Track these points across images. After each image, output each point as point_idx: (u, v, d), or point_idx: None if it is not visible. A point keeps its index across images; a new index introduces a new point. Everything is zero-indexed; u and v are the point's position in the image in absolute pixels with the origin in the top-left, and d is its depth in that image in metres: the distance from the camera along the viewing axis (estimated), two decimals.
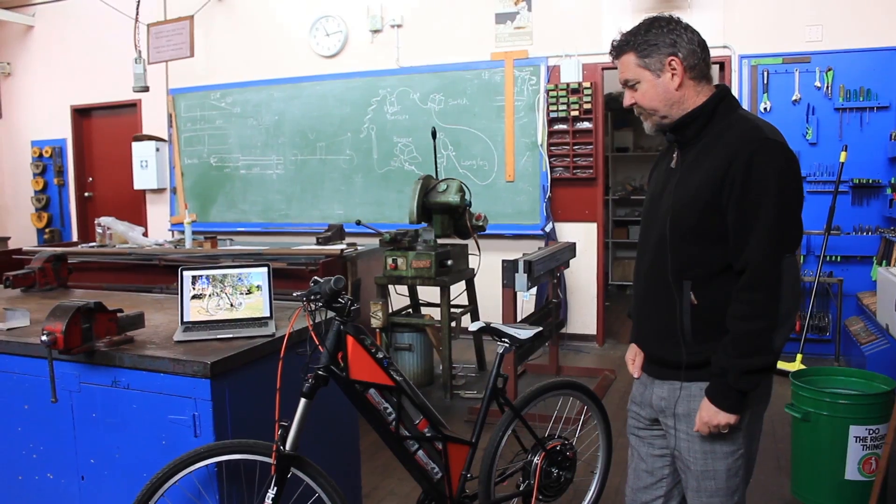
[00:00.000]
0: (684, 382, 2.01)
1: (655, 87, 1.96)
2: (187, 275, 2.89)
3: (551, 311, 5.23)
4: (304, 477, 2.33)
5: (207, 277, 2.89)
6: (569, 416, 3.25)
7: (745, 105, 6.22)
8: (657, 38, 1.94)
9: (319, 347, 2.33)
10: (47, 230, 9.42)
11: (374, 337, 4.87)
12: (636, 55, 1.97)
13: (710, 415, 1.91)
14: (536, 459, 2.90)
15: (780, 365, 5.41)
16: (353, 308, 2.34)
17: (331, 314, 2.34)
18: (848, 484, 3.30)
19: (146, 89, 7.44)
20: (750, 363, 1.83)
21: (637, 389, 2.22)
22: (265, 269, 2.89)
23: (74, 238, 9.21)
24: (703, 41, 1.99)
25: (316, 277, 2.31)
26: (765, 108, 6.11)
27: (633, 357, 2.24)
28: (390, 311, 5.18)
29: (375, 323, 4.90)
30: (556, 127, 6.75)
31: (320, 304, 2.30)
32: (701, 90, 1.98)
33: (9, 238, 9.19)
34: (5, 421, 2.83)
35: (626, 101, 2.04)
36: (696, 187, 1.91)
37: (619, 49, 2.01)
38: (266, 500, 2.24)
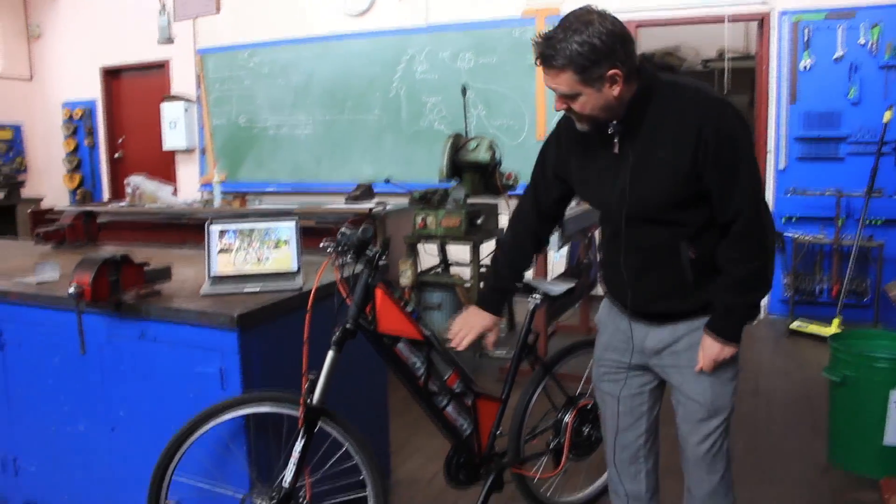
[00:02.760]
0: (686, 321, 2.10)
1: (596, 99, 1.90)
2: (214, 229, 2.86)
3: (582, 271, 5.15)
4: (332, 430, 2.30)
5: (235, 231, 2.86)
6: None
7: (785, 64, 6.03)
8: (593, 52, 1.81)
9: (347, 300, 2.29)
10: (79, 191, 9.48)
11: (405, 297, 4.83)
12: (574, 73, 1.85)
13: (717, 351, 2.03)
14: (567, 417, 2.85)
15: (816, 329, 5.31)
16: (381, 260, 2.29)
17: (359, 267, 2.29)
18: (887, 450, 3.21)
19: (171, 41, 7.33)
20: (754, 298, 2.03)
21: (615, 337, 2.26)
22: (293, 223, 2.85)
23: (106, 198, 9.26)
24: (624, 31, 1.87)
25: (344, 228, 2.25)
26: (805, 67, 5.92)
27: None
28: (419, 269, 5.13)
29: (404, 281, 4.85)
30: None
31: (348, 255, 2.25)
32: (633, 84, 1.94)
33: (42, 198, 9.27)
34: (38, 374, 2.84)
35: (558, 107, 1.98)
36: (668, 164, 1.92)
37: (548, 60, 1.87)
38: (293, 452, 2.22)
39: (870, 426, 3.24)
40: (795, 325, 5.65)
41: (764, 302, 6.25)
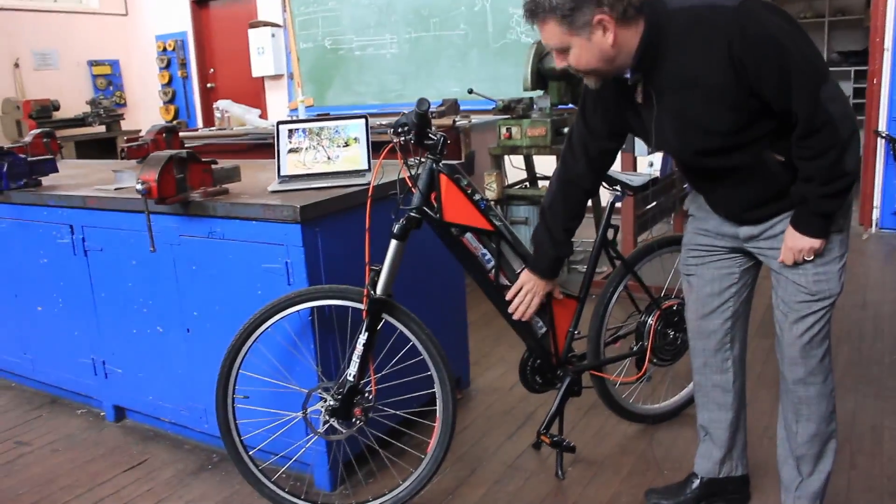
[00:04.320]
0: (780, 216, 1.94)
1: (589, 50, 1.76)
2: (283, 128, 2.81)
3: (675, 181, 4.88)
4: (397, 323, 2.22)
5: (304, 130, 2.79)
6: None
7: None
8: None
9: (412, 188, 2.17)
10: (175, 122, 9.67)
11: None
12: (558, 23, 1.74)
13: (795, 240, 1.86)
14: (650, 320, 2.69)
15: None
16: (446, 144, 2.16)
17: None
18: None
19: None
20: (830, 189, 1.78)
21: (706, 223, 2.11)
22: (362, 121, 2.76)
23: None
24: None
25: (404, 111, 2.12)
26: None
27: None
28: (506, 183, 4.98)
29: (490, 194, 4.72)
30: None
31: (411, 137, 2.12)
32: (636, 25, 1.76)
33: (140, 130, 9.51)
34: (119, 277, 2.88)
35: (559, 64, 1.84)
36: (713, 101, 1.76)
37: (533, 14, 1.79)
38: (357, 345, 2.15)
39: None
40: None
41: (875, 216, 5.82)
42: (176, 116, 9.69)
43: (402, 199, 2.19)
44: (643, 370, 2.67)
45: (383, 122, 2.16)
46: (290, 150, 2.77)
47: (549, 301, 2.39)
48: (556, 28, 1.75)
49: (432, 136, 2.15)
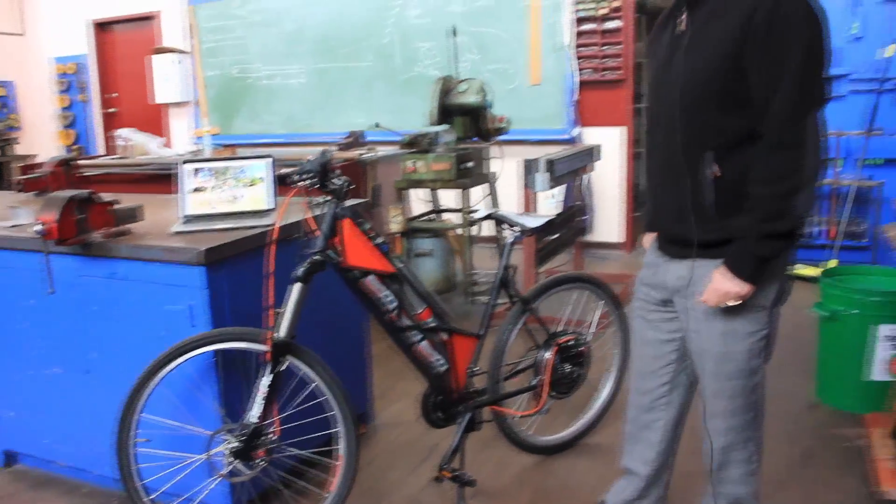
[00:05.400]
0: (705, 260, 1.86)
1: None
2: (188, 167, 2.81)
3: (574, 214, 5.07)
4: (300, 364, 2.26)
5: (209, 170, 2.80)
6: (584, 319, 3.13)
7: None
8: None
9: (314, 232, 2.23)
10: (73, 147, 9.41)
11: (393, 243, 4.78)
12: None
13: (722, 281, 1.79)
14: (548, 354, 2.81)
15: (810, 272, 5.23)
16: (348, 189, 2.23)
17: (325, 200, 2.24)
18: (873, 385, 3.17)
19: None
20: (772, 227, 1.71)
21: (648, 270, 2.10)
22: (267, 161, 2.80)
23: (100, 154, 9.20)
24: None
25: (309, 157, 2.18)
26: None
27: (649, 243, 2.14)
28: (410, 216, 5.07)
29: (394, 228, 4.79)
30: (583, 27, 6.47)
31: (314, 184, 2.18)
32: None
33: (35, 156, 9.20)
34: (14, 317, 2.82)
35: None
36: (715, 45, 1.73)
37: None
38: (260, 387, 2.18)
39: (855, 362, 3.19)
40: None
41: None
42: (75, 141, 9.43)
43: (305, 242, 2.24)
44: (541, 404, 2.79)
45: (286, 170, 2.19)
46: (195, 190, 2.78)
47: (450, 340, 2.48)
48: None
49: (335, 182, 2.21)
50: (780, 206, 1.69)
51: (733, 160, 1.77)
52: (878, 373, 3.17)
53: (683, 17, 1.85)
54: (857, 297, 3.17)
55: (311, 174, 2.16)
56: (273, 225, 2.50)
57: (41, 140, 9.60)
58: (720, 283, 1.80)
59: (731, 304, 1.81)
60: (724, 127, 1.77)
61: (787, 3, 1.65)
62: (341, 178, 2.22)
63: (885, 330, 3.12)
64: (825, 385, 3.38)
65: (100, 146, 9.34)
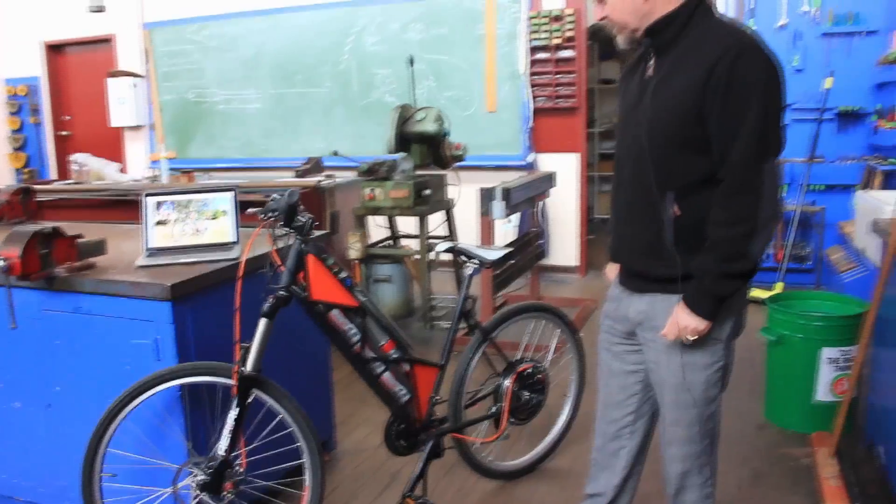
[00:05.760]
0: (665, 295, 1.96)
1: (623, 1, 1.90)
2: (151, 200, 2.83)
3: (531, 240, 5.19)
4: (267, 398, 2.31)
5: (172, 203, 2.83)
6: (542, 343, 3.23)
7: None
8: None
9: (279, 267, 2.28)
10: (25, 170, 9.28)
11: (352, 269, 4.83)
12: None
13: (682, 318, 1.89)
14: (507, 382, 2.89)
15: (759, 294, 5.42)
16: (312, 226, 2.29)
17: (288, 232, 2.30)
18: (819, 405, 3.32)
19: (102, 9, 7.13)
20: (728, 268, 1.82)
21: (611, 304, 2.18)
22: (231, 194, 2.84)
23: (53, 177, 9.07)
24: None
25: (275, 195, 2.24)
26: None
27: (612, 274, 2.22)
28: (368, 242, 5.13)
29: (353, 254, 4.85)
30: (537, 56, 6.63)
31: (279, 221, 2.24)
32: None
33: None
34: None
35: (597, 14, 2.00)
36: (677, 94, 1.84)
37: None
38: (228, 420, 2.22)
39: (804, 383, 3.34)
40: None
41: None
42: (26, 164, 9.30)
43: (270, 277, 2.29)
44: (501, 430, 2.86)
45: (252, 210, 2.24)
46: (158, 223, 2.80)
47: (412, 370, 2.55)
48: None
49: (300, 219, 2.28)
50: (737, 248, 1.80)
51: (692, 201, 1.87)
52: (822, 393, 3.32)
53: (651, 62, 1.96)
54: (801, 322, 3.32)
55: (276, 213, 2.22)
56: (238, 259, 2.55)
57: None
58: (680, 319, 1.89)
59: (690, 338, 1.90)
60: (684, 170, 1.87)
61: (747, 57, 1.76)
62: (306, 216, 2.28)
63: (827, 353, 3.28)
64: (774, 405, 3.52)
65: (52, 169, 9.22)
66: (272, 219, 2.24)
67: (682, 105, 1.82)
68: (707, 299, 1.86)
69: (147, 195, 2.84)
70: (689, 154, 1.85)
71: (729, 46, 1.76)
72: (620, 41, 2.00)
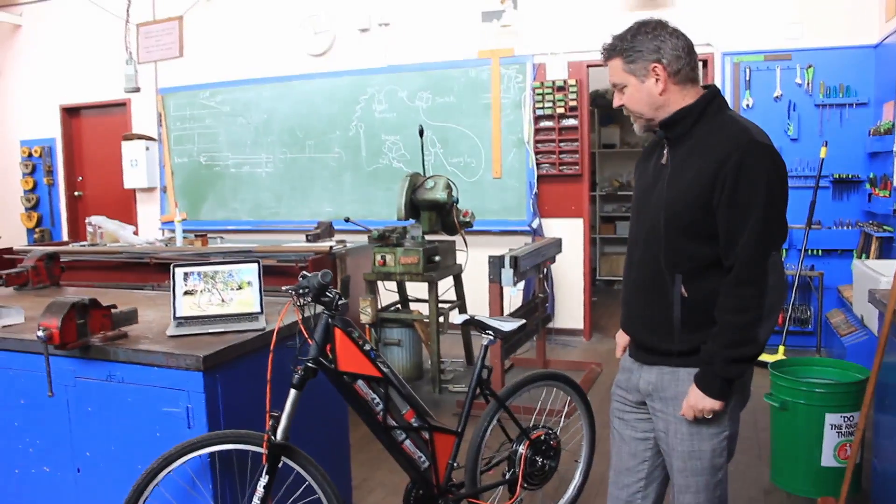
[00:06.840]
0: (672, 367, 2.11)
1: (640, 92, 2.06)
2: (179, 271, 2.95)
3: (538, 305, 5.31)
4: (295, 466, 2.40)
5: (199, 274, 2.96)
6: (553, 407, 3.33)
7: (728, 102, 6.29)
8: (642, 44, 2.02)
9: (309, 340, 2.40)
10: (37, 230, 9.44)
11: (363, 332, 4.94)
12: (622, 60, 2.05)
13: (697, 400, 2.01)
14: (521, 448, 2.98)
15: (763, 357, 5.51)
16: (340, 302, 2.42)
17: (319, 308, 2.42)
18: (824, 470, 3.39)
19: (137, 90, 7.51)
20: (736, 353, 1.94)
21: (623, 374, 2.31)
22: (255, 265, 2.97)
23: (64, 237, 9.24)
24: (690, 45, 2.06)
25: (305, 272, 2.38)
26: (747, 105, 6.21)
27: (623, 342, 2.35)
28: (379, 306, 5.25)
29: (365, 318, 4.97)
30: (542, 124, 6.84)
31: (309, 298, 2.37)
32: (687, 93, 2.06)
33: None
34: (2, 416, 2.88)
35: (616, 103, 2.15)
36: (688, 186, 1.99)
37: (607, 53, 2.10)
38: (258, 488, 2.31)
39: (808, 448, 3.42)
40: None
41: None
42: (39, 224, 9.46)
43: (298, 349, 2.41)
44: (516, 495, 2.95)
45: (287, 287, 2.37)
46: (186, 293, 2.93)
47: (432, 437, 2.65)
48: (619, 66, 2.06)
49: (329, 294, 2.41)
50: (743, 335, 1.93)
51: (699, 283, 2.02)
52: (827, 459, 3.40)
53: (665, 151, 2.12)
54: (804, 389, 3.42)
55: (308, 290, 2.35)
56: (265, 329, 2.67)
57: (5, 221, 9.61)
58: (695, 401, 2.02)
59: (707, 416, 2.03)
60: (692, 254, 2.02)
61: (755, 155, 1.91)
62: (333, 291, 2.41)
63: (831, 418, 3.37)
64: (780, 470, 3.59)
65: (64, 229, 9.38)
66: (303, 294, 2.37)
67: (693, 194, 1.98)
68: (717, 381, 1.98)
69: (175, 266, 2.97)
70: (698, 241, 2.00)
71: (736, 145, 1.92)
72: (637, 128, 2.18)
